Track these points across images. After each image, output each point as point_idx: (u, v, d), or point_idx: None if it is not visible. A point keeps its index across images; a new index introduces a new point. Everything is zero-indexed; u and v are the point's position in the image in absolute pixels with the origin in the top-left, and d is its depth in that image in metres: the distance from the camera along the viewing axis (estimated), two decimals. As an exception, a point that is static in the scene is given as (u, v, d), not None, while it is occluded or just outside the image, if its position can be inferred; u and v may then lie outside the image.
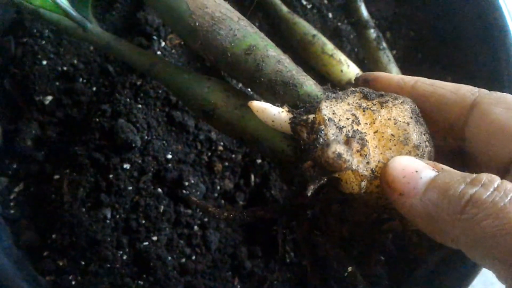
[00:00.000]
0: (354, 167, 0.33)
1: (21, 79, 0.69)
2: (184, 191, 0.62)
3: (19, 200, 0.65)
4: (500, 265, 0.29)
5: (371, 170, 0.34)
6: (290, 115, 0.37)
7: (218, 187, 0.65)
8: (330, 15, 0.77)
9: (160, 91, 0.65)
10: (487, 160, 0.36)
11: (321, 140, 0.33)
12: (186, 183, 0.63)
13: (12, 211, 0.63)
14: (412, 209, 0.32)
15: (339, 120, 0.35)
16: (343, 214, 0.37)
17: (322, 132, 0.33)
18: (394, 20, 0.79)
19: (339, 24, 0.77)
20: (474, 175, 0.30)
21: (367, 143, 0.34)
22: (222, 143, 0.66)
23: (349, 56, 0.72)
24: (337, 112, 0.35)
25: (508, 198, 0.28)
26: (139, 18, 0.70)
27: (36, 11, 0.54)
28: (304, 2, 0.77)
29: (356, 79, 0.43)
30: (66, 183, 0.62)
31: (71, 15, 0.52)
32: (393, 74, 0.43)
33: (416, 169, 0.32)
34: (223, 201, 0.65)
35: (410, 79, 0.41)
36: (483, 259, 0.30)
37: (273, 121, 0.38)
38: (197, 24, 0.42)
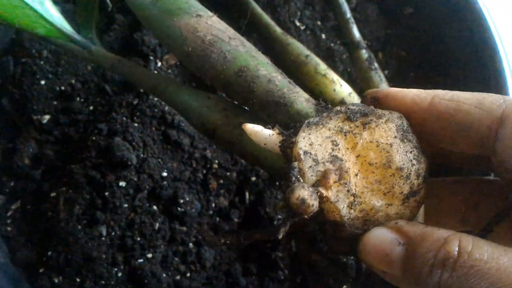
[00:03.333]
0: (332, 198, 0.33)
1: (20, 98, 0.70)
2: (179, 209, 0.63)
3: (15, 217, 0.65)
4: None
5: (353, 196, 0.34)
6: (280, 138, 0.38)
7: (213, 205, 0.66)
8: (323, 36, 0.79)
9: (156, 110, 0.66)
10: None
11: (293, 178, 0.33)
12: (181, 201, 0.63)
13: (8, 228, 0.64)
14: (399, 282, 0.33)
15: (317, 151, 0.35)
16: (336, 234, 0.38)
17: (295, 170, 0.33)
18: (386, 40, 0.81)
19: (332, 44, 0.79)
20: (441, 252, 0.30)
21: (348, 171, 0.34)
22: (217, 161, 0.66)
23: (341, 76, 0.74)
24: (315, 142, 0.35)
25: (469, 275, 0.29)
26: (136, 39, 0.72)
27: (42, 36, 0.56)
28: (298, 24, 0.78)
29: (364, 96, 0.40)
30: (62, 200, 0.63)
31: (76, 41, 0.53)
32: (406, 89, 0.40)
33: (386, 251, 0.32)
34: (218, 219, 0.65)
35: (426, 95, 0.37)
36: None
37: (265, 144, 0.39)
38: (190, 49, 0.43)
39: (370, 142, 0.36)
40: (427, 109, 0.37)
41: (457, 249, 0.30)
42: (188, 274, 0.62)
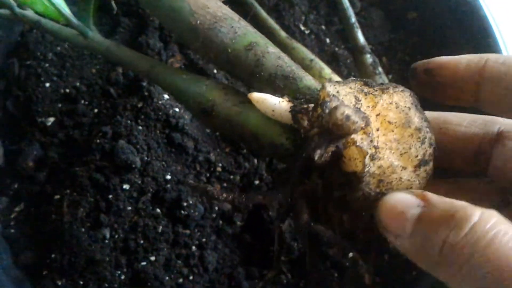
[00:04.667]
0: (358, 143, 0.33)
1: (24, 100, 0.70)
2: (182, 212, 0.63)
3: (19, 219, 0.65)
4: None
5: (375, 148, 0.35)
6: (291, 104, 0.38)
7: (216, 208, 0.66)
8: (327, 40, 0.79)
9: (160, 113, 0.66)
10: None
11: (327, 110, 0.33)
12: (185, 204, 0.63)
13: (12, 231, 0.64)
14: (403, 248, 0.32)
15: (343, 100, 0.35)
16: (344, 201, 0.37)
17: (328, 104, 0.33)
18: (390, 45, 0.81)
19: (336, 49, 0.79)
20: (455, 213, 0.30)
21: (370, 122, 0.35)
22: (220, 164, 0.67)
23: (346, 80, 0.74)
24: (340, 92, 0.36)
25: (482, 243, 0.28)
26: (141, 43, 0.72)
27: (38, 22, 0.56)
28: (302, 28, 0.79)
29: (413, 69, 0.41)
30: (66, 203, 0.63)
31: (72, 23, 0.53)
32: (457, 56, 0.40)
33: (402, 210, 0.32)
34: (221, 222, 0.65)
35: (479, 59, 0.39)
36: None
37: (273, 110, 0.38)
38: (198, 22, 0.43)
39: (390, 103, 0.37)
40: (480, 72, 0.38)
41: (474, 221, 0.29)
42: (191, 277, 0.62)
